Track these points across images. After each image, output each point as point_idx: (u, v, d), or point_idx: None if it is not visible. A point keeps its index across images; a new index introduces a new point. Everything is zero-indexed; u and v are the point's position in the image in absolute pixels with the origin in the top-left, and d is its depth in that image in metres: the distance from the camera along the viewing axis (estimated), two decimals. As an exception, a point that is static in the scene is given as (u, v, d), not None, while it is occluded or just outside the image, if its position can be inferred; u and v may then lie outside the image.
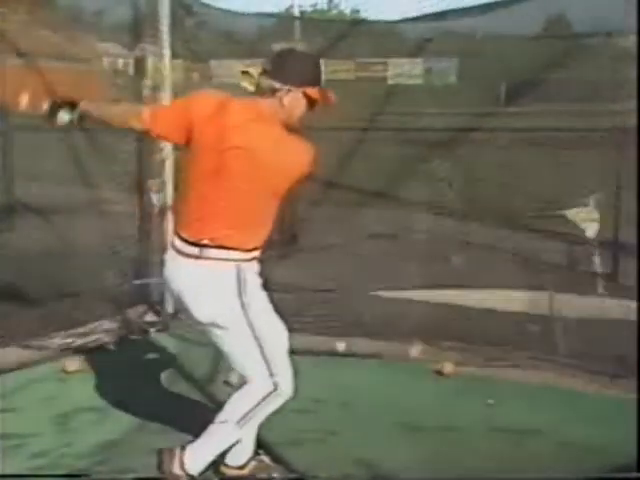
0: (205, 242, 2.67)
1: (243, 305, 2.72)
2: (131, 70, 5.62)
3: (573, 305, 4.25)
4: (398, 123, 5.79)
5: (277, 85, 2.66)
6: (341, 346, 4.54)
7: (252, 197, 2.65)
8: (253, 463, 3.02)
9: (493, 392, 3.92)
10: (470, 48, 6.00)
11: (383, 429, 3.54)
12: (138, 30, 5.22)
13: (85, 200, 5.31)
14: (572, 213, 4.33)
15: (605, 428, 3.49)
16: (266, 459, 3.07)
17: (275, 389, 2.79)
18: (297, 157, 2.67)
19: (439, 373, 4.15)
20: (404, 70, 6.76)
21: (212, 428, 2.82)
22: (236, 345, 2.77)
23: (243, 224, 2.69)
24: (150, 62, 5.25)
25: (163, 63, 5.04)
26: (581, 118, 4.62)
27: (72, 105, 2.91)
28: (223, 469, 3.01)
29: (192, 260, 2.69)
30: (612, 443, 3.30)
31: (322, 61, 2.77)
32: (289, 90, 2.66)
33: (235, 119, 2.67)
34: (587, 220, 4.30)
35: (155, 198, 5.08)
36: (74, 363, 4.22)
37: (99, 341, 4.61)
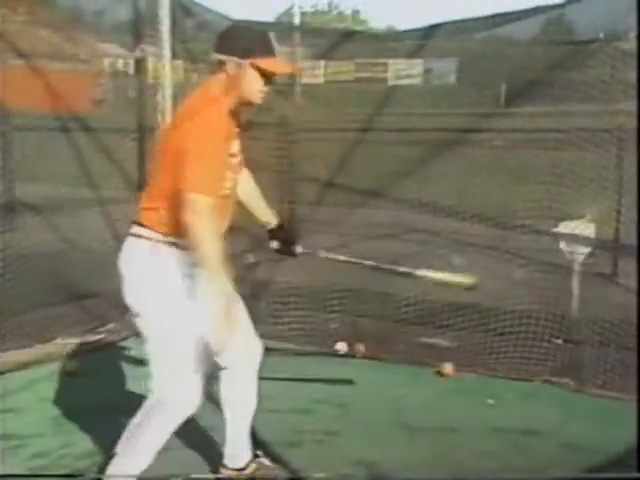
0: (141, 221, 2.67)
1: (160, 286, 2.60)
2: (131, 70, 5.63)
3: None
4: (398, 124, 5.79)
5: (222, 58, 2.60)
6: (341, 346, 4.54)
7: (166, 177, 2.58)
8: (253, 465, 2.99)
9: (493, 392, 3.92)
10: (470, 49, 6.00)
11: (383, 429, 3.54)
12: (138, 31, 5.22)
13: (86, 200, 5.31)
14: (566, 227, 4.31)
15: (605, 428, 3.49)
16: (266, 461, 3.04)
17: (161, 404, 2.62)
18: (193, 131, 2.52)
19: (439, 374, 4.15)
20: (404, 71, 6.77)
21: (114, 459, 2.69)
22: (148, 335, 2.64)
23: (158, 204, 2.61)
24: (150, 62, 5.26)
25: (163, 64, 5.04)
26: (581, 119, 4.62)
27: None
28: (222, 471, 2.98)
29: (130, 239, 2.70)
30: (612, 443, 3.31)
31: (272, 34, 2.65)
32: (236, 63, 2.59)
33: (184, 104, 2.75)
34: (578, 240, 4.24)
35: None
36: (76, 364, 4.22)
37: (100, 342, 4.61)
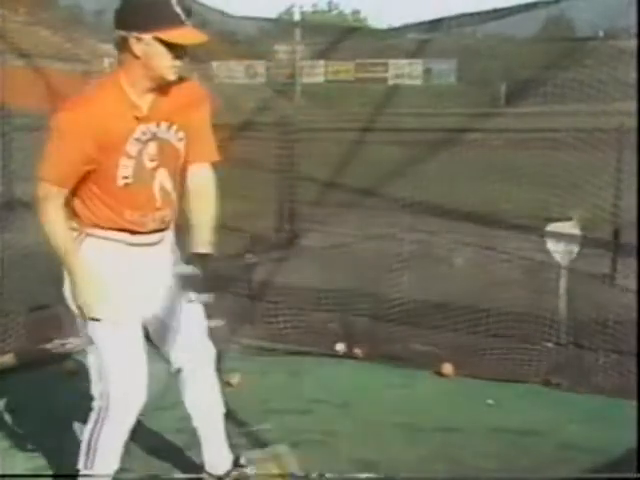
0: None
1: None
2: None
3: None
4: (398, 123, 5.79)
5: (123, 34, 2.33)
6: (340, 347, 4.54)
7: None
8: (234, 474, 2.87)
9: (492, 392, 3.92)
10: (470, 48, 6.00)
11: (382, 430, 3.53)
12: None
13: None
14: (555, 227, 4.30)
15: (604, 428, 3.49)
16: (248, 470, 2.90)
17: (114, 400, 2.55)
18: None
19: (439, 374, 4.14)
20: (404, 71, 6.77)
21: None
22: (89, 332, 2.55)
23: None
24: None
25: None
26: (580, 119, 4.62)
27: None
28: (204, 476, 2.88)
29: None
30: (610, 443, 3.31)
31: (175, 1, 2.34)
32: (137, 38, 2.31)
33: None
34: (563, 244, 4.23)
35: None
36: (73, 364, 4.22)
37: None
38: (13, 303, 4.57)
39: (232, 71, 6.46)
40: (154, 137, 2.46)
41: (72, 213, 2.51)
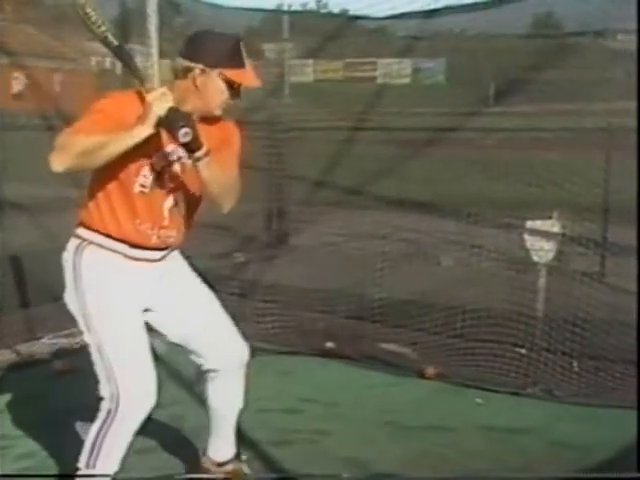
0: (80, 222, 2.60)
1: (77, 291, 2.53)
2: (119, 70, 5.60)
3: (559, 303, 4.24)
4: (387, 123, 5.79)
5: (189, 64, 2.44)
6: (330, 346, 4.53)
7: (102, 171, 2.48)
8: (231, 466, 2.92)
9: (481, 391, 3.93)
10: (458, 47, 6.01)
11: (371, 429, 3.54)
12: (125, 29, 5.19)
13: (74, 200, 5.28)
14: (533, 225, 4.30)
15: (593, 426, 3.51)
16: (245, 467, 2.94)
17: (124, 402, 2.54)
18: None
19: (421, 376, 4.13)
20: (393, 70, 6.77)
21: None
22: (98, 342, 2.56)
23: (89, 199, 2.55)
24: (138, 61, 5.23)
25: (151, 63, 5.01)
26: (569, 118, 4.64)
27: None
28: (203, 459, 2.94)
29: (73, 240, 2.61)
30: (600, 441, 3.33)
31: (242, 44, 2.48)
32: (202, 70, 2.43)
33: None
34: (542, 242, 4.23)
35: None
36: (62, 363, 4.20)
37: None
38: (3, 302, 4.54)
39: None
40: (180, 160, 2.51)
41: (84, 214, 2.55)
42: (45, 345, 4.48)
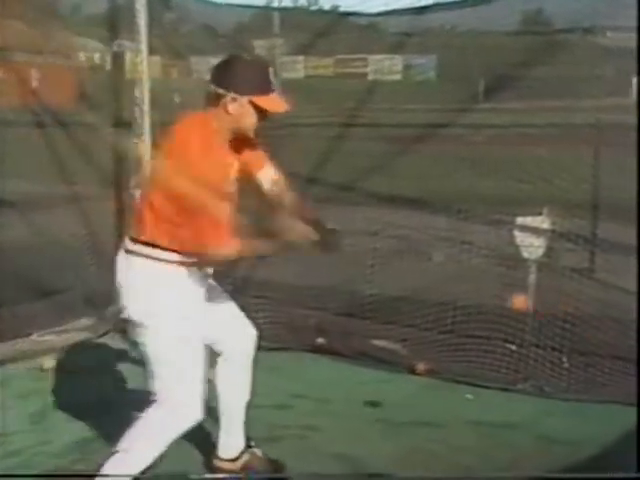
0: (144, 240, 2.65)
1: (164, 308, 2.61)
2: (109, 66, 5.57)
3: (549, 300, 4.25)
4: (378, 119, 5.79)
5: (220, 92, 2.58)
6: (321, 342, 4.53)
7: (175, 201, 2.55)
8: (246, 456, 3.02)
9: (471, 387, 3.93)
10: (449, 44, 6.02)
11: (362, 424, 3.54)
12: (115, 25, 5.17)
13: (62, 196, 5.26)
14: (523, 222, 4.30)
15: (582, 422, 3.52)
16: (258, 451, 3.05)
17: (167, 415, 2.64)
18: (198, 164, 2.54)
19: (412, 372, 4.13)
20: (384, 66, 6.77)
21: (113, 459, 2.68)
22: (149, 353, 2.66)
23: (174, 226, 2.59)
24: (128, 58, 5.21)
25: (140, 59, 4.99)
26: (559, 114, 4.65)
27: None
28: (216, 462, 3.01)
29: (132, 257, 2.67)
30: (589, 436, 3.34)
31: (272, 69, 2.63)
32: (233, 98, 2.57)
33: (180, 129, 2.68)
34: (532, 239, 4.23)
35: (137, 195, 5.05)
36: (51, 360, 4.18)
37: (76, 338, 4.57)
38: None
39: (211, 66, 6.41)
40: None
41: (169, 241, 2.60)
42: (34, 342, 4.46)
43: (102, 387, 3.86)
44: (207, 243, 2.54)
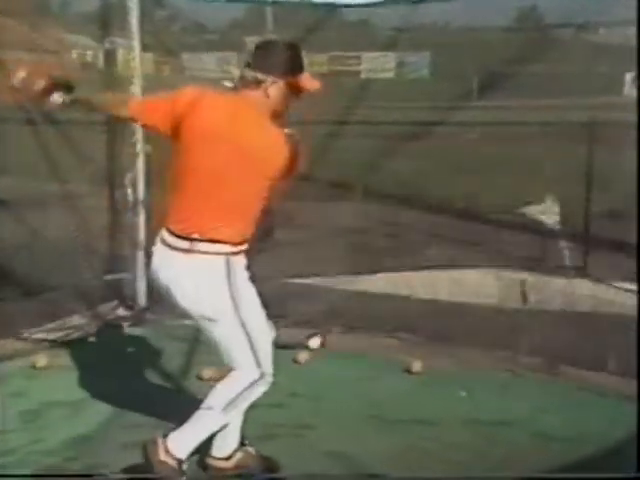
0: (195, 236, 2.70)
1: (232, 297, 2.73)
2: (101, 63, 5.54)
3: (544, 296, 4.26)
4: (371, 117, 5.79)
5: (260, 76, 2.67)
6: (315, 342, 4.52)
7: (239, 190, 2.68)
8: (239, 454, 3.02)
9: (465, 384, 3.94)
10: (442, 41, 6.02)
11: (356, 422, 3.54)
12: (107, 22, 5.14)
13: (55, 194, 5.23)
14: (531, 210, 4.35)
15: (576, 419, 3.53)
16: (251, 450, 3.06)
17: (260, 378, 2.83)
18: (279, 147, 2.67)
19: (408, 372, 4.13)
20: (377, 64, 6.77)
21: (197, 414, 2.81)
22: (225, 336, 2.79)
23: (231, 218, 2.71)
24: (120, 55, 5.19)
25: (132, 56, 4.97)
26: (552, 111, 4.66)
27: (68, 87, 2.79)
28: (209, 460, 3.01)
29: (182, 254, 2.72)
30: (583, 434, 3.35)
31: (301, 49, 2.75)
32: (273, 81, 2.67)
33: (224, 113, 2.71)
34: (546, 212, 4.31)
35: (130, 193, 5.03)
36: (43, 359, 4.16)
37: (69, 336, 4.55)
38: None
39: (204, 63, 6.39)
40: None
41: (230, 236, 2.71)
42: (25, 340, 4.43)
43: (95, 385, 3.85)
44: (251, 232, 2.75)
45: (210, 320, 2.77)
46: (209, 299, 2.74)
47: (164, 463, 2.73)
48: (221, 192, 2.68)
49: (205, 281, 2.72)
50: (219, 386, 2.84)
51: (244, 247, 2.78)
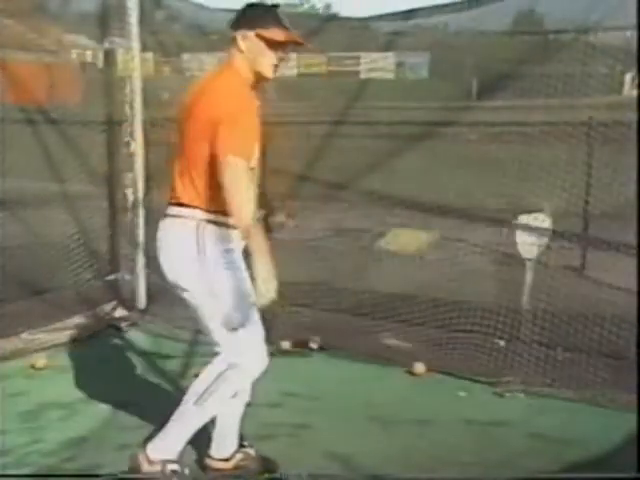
0: (171, 200, 2.78)
1: (201, 264, 2.69)
2: (100, 63, 5.54)
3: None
4: (370, 117, 5.78)
5: (232, 33, 2.74)
6: (315, 341, 4.52)
7: (198, 154, 2.68)
8: (238, 456, 3.01)
9: (464, 385, 3.94)
10: (442, 43, 6.01)
11: (355, 423, 3.53)
12: (106, 22, 5.14)
13: (54, 194, 5.24)
14: (525, 219, 4.31)
15: (573, 420, 3.53)
16: (251, 451, 3.05)
17: (231, 367, 2.73)
18: (222, 100, 2.64)
19: (410, 373, 4.13)
20: (376, 64, 6.76)
21: (177, 412, 2.80)
22: (200, 309, 2.75)
23: (196, 183, 2.71)
24: (120, 55, 5.19)
25: (132, 56, 4.97)
26: (550, 113, 4.65)
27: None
28: (208, 461, 3.01)
29: (163, 219, 2.80)
30: (580, 435, 3.35)
31: (281, 11, 2.76)
32: (243, 35, 2.71)
33: (197, 86, 2.82)
34: (537, 221, 4.24)
35: (130, 193, 5.04)
36: (43, 359, 4.16)
37: (68, 337, 4.55)
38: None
39: (203, 64, 6.40)
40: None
41: (198, 199, 2.70)
42: (25, 340, 4.43)
43: (95, 385, 3.85)
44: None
45: (184, 290, 2.74)
46: (179, 263, 2.72)
47: (151, 473, 2.74)
48: (184, 157, 2.75)
49: (176, 244, 2.73)
50: (195, 379, 2.81)
51: (221, 219, 2.69)
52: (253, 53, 2.71)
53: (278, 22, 2.72)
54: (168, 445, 2.79)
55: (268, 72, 2.75)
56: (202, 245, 2.70)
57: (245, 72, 2.74)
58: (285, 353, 4.37)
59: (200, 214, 2.71)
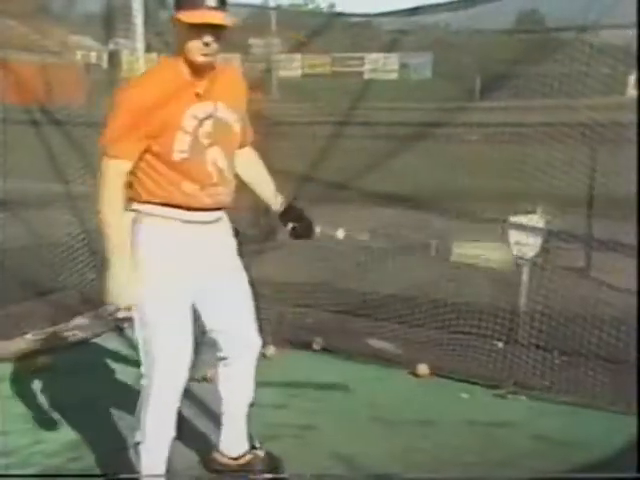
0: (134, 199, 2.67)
1: (153, 264, 2.59)
2: (105, 64, 5.55)
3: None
4: (374, 117, 5.78)
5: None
6: (317, 342, 4.52)
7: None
8: (248, 457, 3.01)
9: (467, 386, 3.93)
10: (444, 42, 6.01)
11: (358, 424, 3.54)
12: (111, 23, 5.15)
13: (58, 195, 5.25)
14: (517, 221, 4.29)
15: (575, 422, 3.52)
16: (260, 453, 3.04)
17: (157, 381, 2.65)
18: (126, 97, 2.55)
19: (414, 375, 4.12)
20: (380, 65, 6.77)
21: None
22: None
23: (136, 176, 2.63)
24: (124, 56, 5.20)
25: (136, 57, 4.98)
26: (553, 113, 4.64)
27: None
28: (215, 455, 3.01)
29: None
30: (582, 437, 3.34)
31: None
32: (173, 19, 2.53)
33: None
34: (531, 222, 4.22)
35: None
36: (46, 360, 4.17)
37: (71, 338, 4.55)
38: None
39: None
40: (210, 116, 2.59)
41: (130, 188, 2.60)
42: (29, 341, 4.44)
43: (97, 387, 3.85)
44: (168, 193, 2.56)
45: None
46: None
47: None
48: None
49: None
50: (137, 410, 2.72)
51: (163, 211, 2.59)
52: (180, 37, 2.51)
53: (195, 2, 2.46)
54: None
55: (196, 58, 2.50)
56: (137, 235, 2.61)
57: (185, 59, 2.54)
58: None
59: (136, 205, 2.63)
